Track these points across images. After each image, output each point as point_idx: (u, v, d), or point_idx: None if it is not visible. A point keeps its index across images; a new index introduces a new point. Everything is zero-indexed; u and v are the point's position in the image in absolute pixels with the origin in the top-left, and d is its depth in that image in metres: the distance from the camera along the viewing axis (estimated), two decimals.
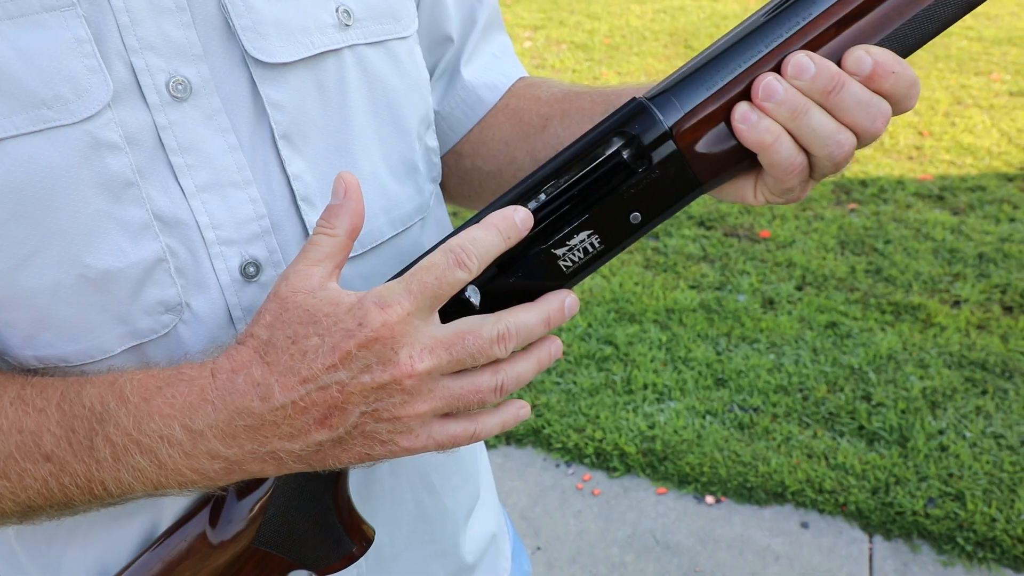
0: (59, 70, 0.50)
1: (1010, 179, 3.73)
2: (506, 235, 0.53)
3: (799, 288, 3.05)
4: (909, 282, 3.02)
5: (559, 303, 0.55)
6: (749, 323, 2.84)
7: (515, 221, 0.53)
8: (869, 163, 3.94)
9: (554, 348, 0.57)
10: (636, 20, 6.61)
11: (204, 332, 0.58)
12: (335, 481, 0.62)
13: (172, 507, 0.61)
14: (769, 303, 2.97)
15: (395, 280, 0.51)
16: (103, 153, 0.51)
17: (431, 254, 0.52)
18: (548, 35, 6.31)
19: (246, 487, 0.60)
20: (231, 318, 0.58)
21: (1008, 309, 2.87)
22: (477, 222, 0.54)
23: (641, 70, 5.45)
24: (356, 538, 0.64)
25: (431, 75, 0.77)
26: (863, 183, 3.76)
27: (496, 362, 0.54)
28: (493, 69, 0.78)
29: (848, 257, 3.21)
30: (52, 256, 0.52)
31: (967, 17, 5.98)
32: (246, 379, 0.50)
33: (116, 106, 0.52)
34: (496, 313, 0.54)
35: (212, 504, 0.61)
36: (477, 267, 0.51)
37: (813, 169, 0.54)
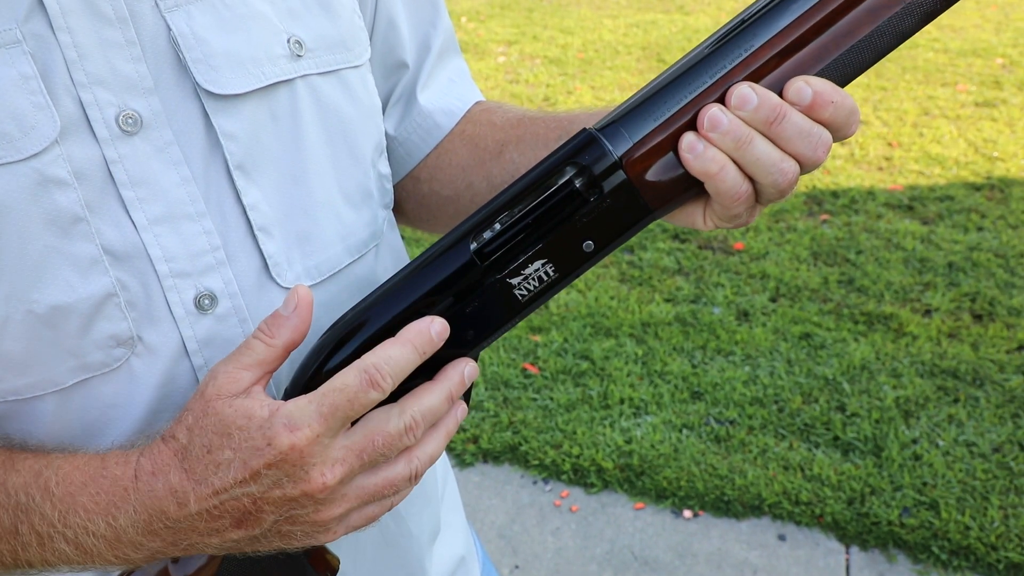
0: (4, 107, 0.49)
1: (977, 188, 3.79)
2: (421, 350, 0.53)
3: (773, 300, 3.07)
4: (881, 292, 3.05)
5: (459, 376, 0.56)
6: (724, 335, 2.85)
7: (431, 335, 0.54)
8: (840, 174, 3.99)
9: (460, 414, 0.58)
10: (609, 34, 6.66)
11: (158, 365, 0.57)
12: None
13: None
14: (744, 315, 2.99)
15: (307, 398, 0.51)
16: (50, 189, 0.51)
17: (344, 373, 0.52)
18: (522, 50, 6.35)
19: None
20: (186, 350, 0.58)
21: (978, 317, 2.91)
22: (416, 271, 0.55)
23: (615, 84, 5.49)
24: (320, 568, 0.64)
25: (387, 101, 0.77)
26: (834, 194, 3.81)
27: (407, 448, 0.55)
28: (449, 94, 0.78)
29: (821, 268, 3.24)
30: (1, 291, 0.51)
31: (933, 30, 6.09)
32: (164, 484, 0.52)
33: (64, 141, 0.51)
34: (400, 403, 0.54)
35: None
36: (391, 385, 0.52)
37: (759, 196, 0.55)
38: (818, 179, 3.95)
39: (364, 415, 0.53)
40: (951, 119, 4.58)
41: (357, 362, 0.52)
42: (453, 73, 0.80)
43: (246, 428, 0.50)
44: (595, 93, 5.34)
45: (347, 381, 0.51)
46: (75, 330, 0.53)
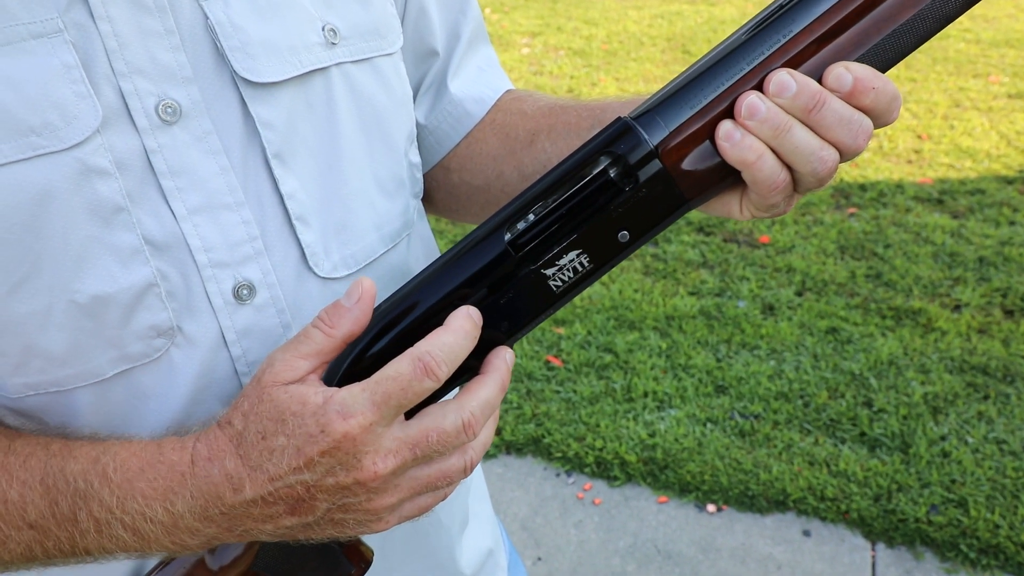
0: (47, 97, 0.49)
1: (1009, 182, 3.73)
2: (473, 336, 0.53)
3: (799, 294, 3.04)
4: (909, 287, 3.01)
5: (505, 365, 0.56)
6: (749, 329, 2.83)
7: (475, 322, 0.54)
8: (868, 167, 3.94)
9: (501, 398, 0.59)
10: (634, 26, 6.61)
11: (197, 356, 0.57)
12: None
13: None
14: (769, 309, 2.96)
15: (360, 386, 0.51)
16: (92, 179, 0.51)
17: (398, 361, 0.51)
18: (546, 41, 6.32)
19: None
20: (224, 341, 0.58)
21: (1009, 313, 2.86)
22: (457, 257, 0.55)
23: (639, 76, 5.45)
24: (355, 560, 0.64)
25: (418, 89, 0.77)
26: (862, 187, 3.76)
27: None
28: (479, 82, 0.78)
29: (848, 262, 3.21)
30: (43, 282, 0.52)
31: (964, 20, 5.98)
32: (220, 470, 0.52)
33: (105, 131, 0.52)
34: (458, 399, 0.54)
35: None
36: (446, 373, 0.51)
37: (797, 184, 0.54)
38: (846, 172, 3.90)
39: (422, 408, 0.53)
40: (983, 111, 4.50)
41: (411, 350, 0.51)
42: (483, 62, 0.80)
43: (300, 415, 0.50)
44: (619, 85, 5.30)
45: (401, 370, 0.51)
46: (116, 320, 0.54)
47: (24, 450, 0.55)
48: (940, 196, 3.64)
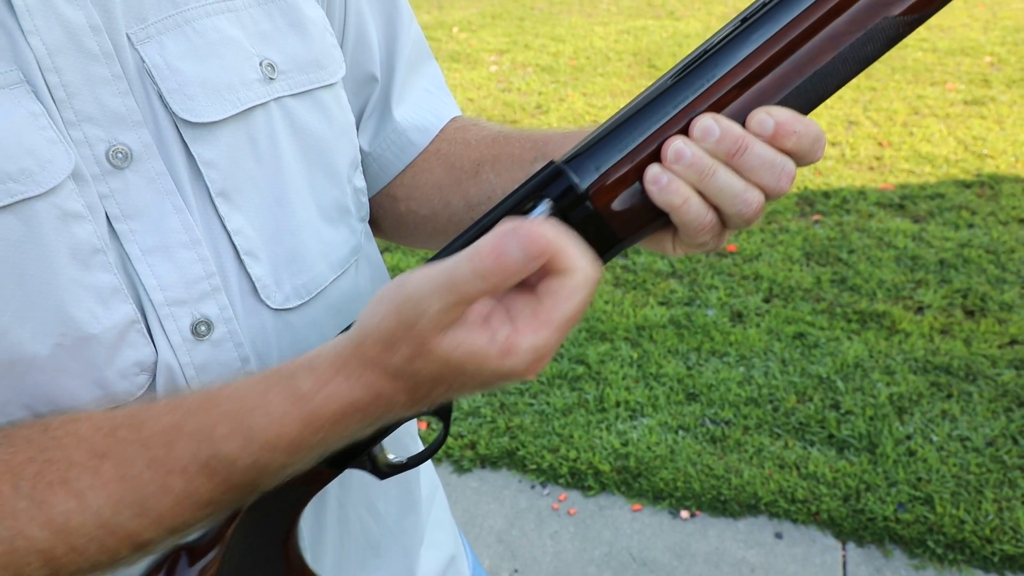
0: (21, 144, 0.50)
1: (967, 186, 3.82)
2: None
3: (766, 300, 3.09)
4: (873, 290, 3.07)
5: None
6: (718, 337, 2.87)
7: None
8: (831, 174, 4.02)
9: None
10: (600, 41, 6.69)
11: (157, 394, 0.58)
12: (286, 540, 0.63)
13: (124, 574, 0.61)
14: (738, 316, 3.01)
15: (544, 335, 0.46)
16: (70, 223, 0.52)
17: (566, 303, 0.46)
18: (514, 59, 6.38)
19: (196, 551, 0.61)
20: (184, 376, 0.59)
21: (970, 313, 2.93)
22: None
23: (606, 90, 5.52)
24: None
25: (360, 115, 0.77)
26: (826, 194, 3.83)
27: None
28: (424, 108, 0.79)
29: (813, 268, 3.26)
30: (28, 327, 0.52)
31: (921, 30, 6.13)
32: (390, 407, 0.51)
33: (76, 176, 0.53)
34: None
35: (165, 569, 0.61)
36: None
37: (725, 223, 0.55)
38: (809, 180, 3.98)
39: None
40: (940, 118, 4.61)
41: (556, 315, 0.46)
42: (429, 83, 0.80)
43: (480, 370, 0.47)
44: (587, 100, 5.37)
45: (573, 311, 0.46)
46: (101, 360, 0.54)
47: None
48: (901, 201, 3.72)
